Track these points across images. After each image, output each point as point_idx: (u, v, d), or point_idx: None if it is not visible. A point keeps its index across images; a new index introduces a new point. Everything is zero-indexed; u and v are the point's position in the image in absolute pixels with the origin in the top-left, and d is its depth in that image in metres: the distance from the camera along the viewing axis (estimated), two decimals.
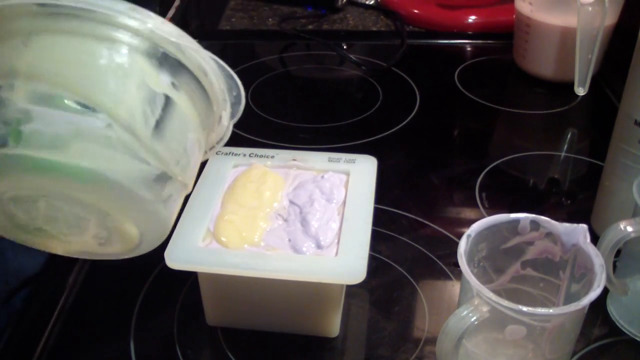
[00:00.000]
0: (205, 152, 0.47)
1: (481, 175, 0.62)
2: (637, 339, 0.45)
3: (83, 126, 0.35)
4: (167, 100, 0.38)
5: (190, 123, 0.40)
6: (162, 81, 0.38)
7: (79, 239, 0.42)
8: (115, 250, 0.43)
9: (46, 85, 0.35)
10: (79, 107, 0.35)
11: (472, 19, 0.89)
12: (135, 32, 0.37)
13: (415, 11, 0.92)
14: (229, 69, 0.43)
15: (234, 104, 0.45)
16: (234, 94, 0.45)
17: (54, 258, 0.53)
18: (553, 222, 0.39)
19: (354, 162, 0.49)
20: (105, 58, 0.36)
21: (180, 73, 0.39)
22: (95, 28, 0.36)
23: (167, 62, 0.39)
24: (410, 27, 0.91)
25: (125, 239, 0.41)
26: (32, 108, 0.35)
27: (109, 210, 0.39)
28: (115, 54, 0.36)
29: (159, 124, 0.38)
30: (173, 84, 0.39)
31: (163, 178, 0.38)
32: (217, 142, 0.48)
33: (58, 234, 0.42)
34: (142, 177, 0.37)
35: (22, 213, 0.40)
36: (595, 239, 0.39)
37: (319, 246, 0.42)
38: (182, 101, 0.39)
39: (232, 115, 0.46)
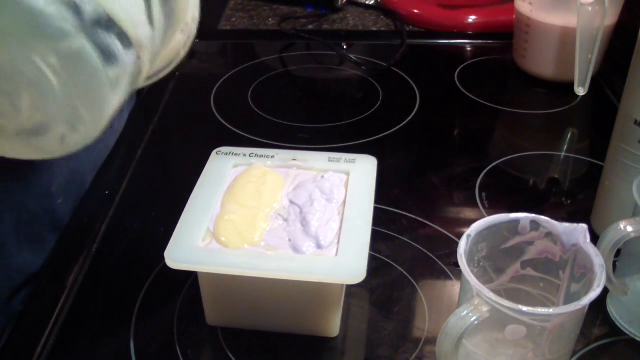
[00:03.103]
0: (187, 38, 0.40)
1: (481, 175, 0.62)
2: (637, 339, 0.45)
3: None
4: None
5: None
6: None
7: (16, 129, 0.34)
8: (50, 139, 0.35)
9: None
10: None
11: (472, 19, 0.89)
12: None
13: (415, 11, 0.92)
14: None
15: None
16: None
17: (54, 257, 0.53)
18: (553, 222, 0.39)
19: (354, 162, 0.49)
20: None
21: None
22: None
23: None
24: (410, 27, 0.91)
25: (53, 111, 0.33)
26: None
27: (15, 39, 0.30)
28: None
29: None
30: None
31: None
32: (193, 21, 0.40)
33: None
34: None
35: None
36: (595, 239, 0.39)
37: (319, 246, 0.42)
38: None
39: None
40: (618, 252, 0.42)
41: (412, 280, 0.50)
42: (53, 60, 0.31)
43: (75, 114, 0.34)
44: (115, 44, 0.32)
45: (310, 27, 0.93)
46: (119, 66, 0.33)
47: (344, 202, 0.45)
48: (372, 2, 0.99)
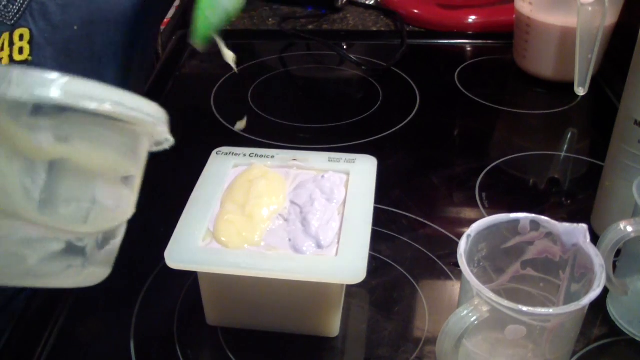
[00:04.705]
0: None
1: (481, 175, 0.62)
2: (637, 339, 0.45)
3: None
4: (52, 161, 0.30)
5: (95, 168, 0.32)
6: (39, 141, 0.29)
7: None
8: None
9: None
10: None
11: (472, 19, 0.89)
12: None
13: (415, 11, 0.92)
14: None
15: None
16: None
17: None
18: (553, 222, 0.39)
19: (354, 162, 0.49)
20: None
21: (65, 117, 0.29)
22: None
23: (43, 111, 0.28)
24: (410, 27, 0.91)
25: None
26: None
27: None
28: None
29: (46, 193, 0.30)
30: (58, 138, 0.29)
31: (73, 247, 0.32)
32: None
33: None
34: (43, 258, 0.31)
35: None
36: (595, 239, 0.39)
37: (319, 246, 0.42)
38: (76, 152, 0.31)
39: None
40: (618, 252, 0.42)
41: (412, 280, 0.50)
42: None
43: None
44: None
45: (310, 27, 0.93)
46: None
47: (344, 202, 0.45)
48: (372, 2, 0.99)
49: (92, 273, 0.35)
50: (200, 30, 0.42)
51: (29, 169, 0.29)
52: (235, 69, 0.47)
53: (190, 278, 0.49)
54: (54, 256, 0.31)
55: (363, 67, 0.82)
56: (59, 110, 0.28)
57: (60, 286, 0.35)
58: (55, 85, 0.27)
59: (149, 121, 0.34)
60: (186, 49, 0.86)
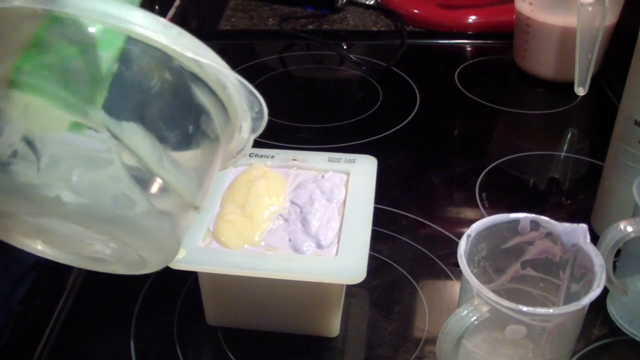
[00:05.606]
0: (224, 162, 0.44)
1: (481, 175, 0.62)
2: (637, 339, 0.45)
3: (81, 148, 0.31)
4: None
5: None
6: None
7: (80, 251, 0.40)
8: (118, 270, 0.41)
9: None
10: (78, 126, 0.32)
11: (472, 19, 0.89)
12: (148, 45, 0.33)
13: (415, 11, 0.92)
14: (249, 85, 0.39)
15: (256, 119, 0.43)
16: (256, 109, 0.42)
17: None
18: (553, 222, 0.39)
19: (354, 162, 0.49)
20: (110, 71, 0.33)
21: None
22: (101, 37, 0.32)
23: None
24: (410, 27, 0.91)
25: (130, 263, 0.39)
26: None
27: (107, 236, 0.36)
28: (122, 68, 0.33)
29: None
30: None
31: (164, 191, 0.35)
32: (237, 153, 0.44)
33: (54, 241, 0.39)
34: (146, 211, 0.34)
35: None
36: (595, 239, 0.39)
37: (319, 246, 0.42)
38: None
39: (254, 130, 0.43)
40: (618, 252, 0.42)
41: (412, 280, 0.50)
42: (145, 254, 0.37)
43: (142, 263, 0.39)
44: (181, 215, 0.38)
45: (310, 27, 0.93)
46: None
47: (344, 202, 0.45)
48: (372, 2, 0.99)
49: (166, 247, 0.37)
50: None
51: None
52: None
53: (190, 278, 0.49)
54: (157, 212, 0.34)
55: (363, 67, 0.82)
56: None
57: (138, 249, 0.36)
58: None
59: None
60: None
